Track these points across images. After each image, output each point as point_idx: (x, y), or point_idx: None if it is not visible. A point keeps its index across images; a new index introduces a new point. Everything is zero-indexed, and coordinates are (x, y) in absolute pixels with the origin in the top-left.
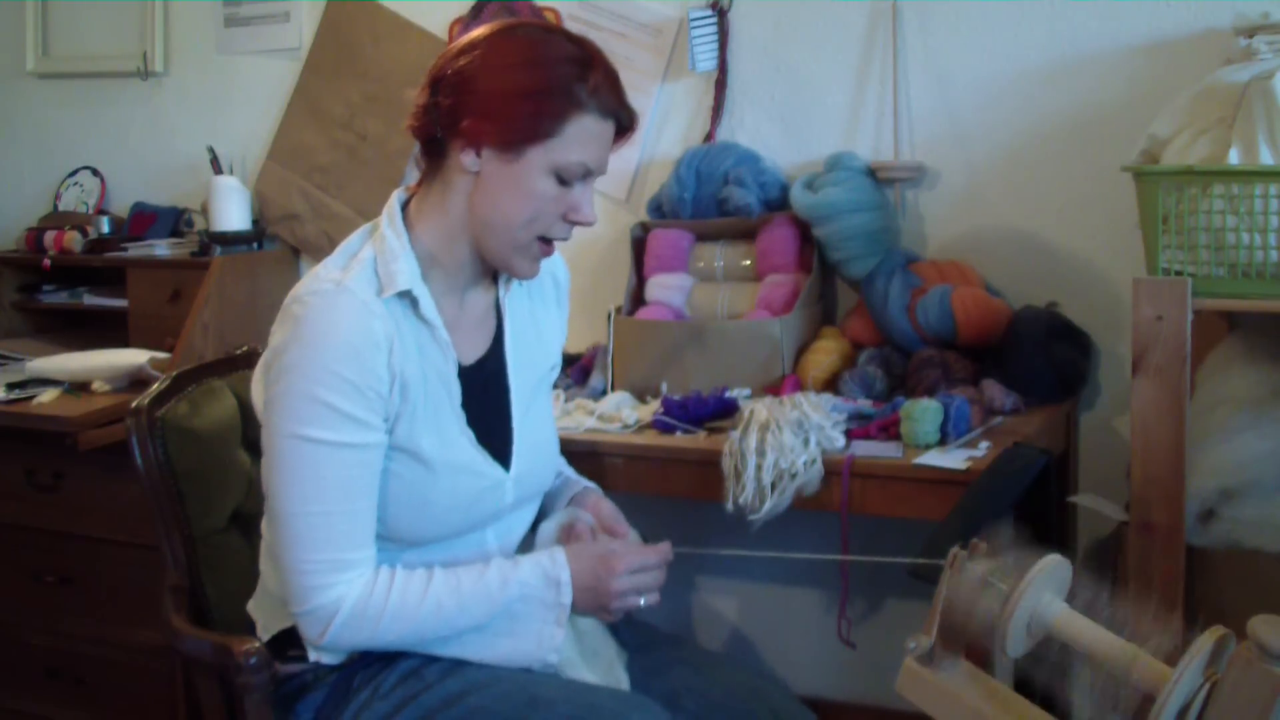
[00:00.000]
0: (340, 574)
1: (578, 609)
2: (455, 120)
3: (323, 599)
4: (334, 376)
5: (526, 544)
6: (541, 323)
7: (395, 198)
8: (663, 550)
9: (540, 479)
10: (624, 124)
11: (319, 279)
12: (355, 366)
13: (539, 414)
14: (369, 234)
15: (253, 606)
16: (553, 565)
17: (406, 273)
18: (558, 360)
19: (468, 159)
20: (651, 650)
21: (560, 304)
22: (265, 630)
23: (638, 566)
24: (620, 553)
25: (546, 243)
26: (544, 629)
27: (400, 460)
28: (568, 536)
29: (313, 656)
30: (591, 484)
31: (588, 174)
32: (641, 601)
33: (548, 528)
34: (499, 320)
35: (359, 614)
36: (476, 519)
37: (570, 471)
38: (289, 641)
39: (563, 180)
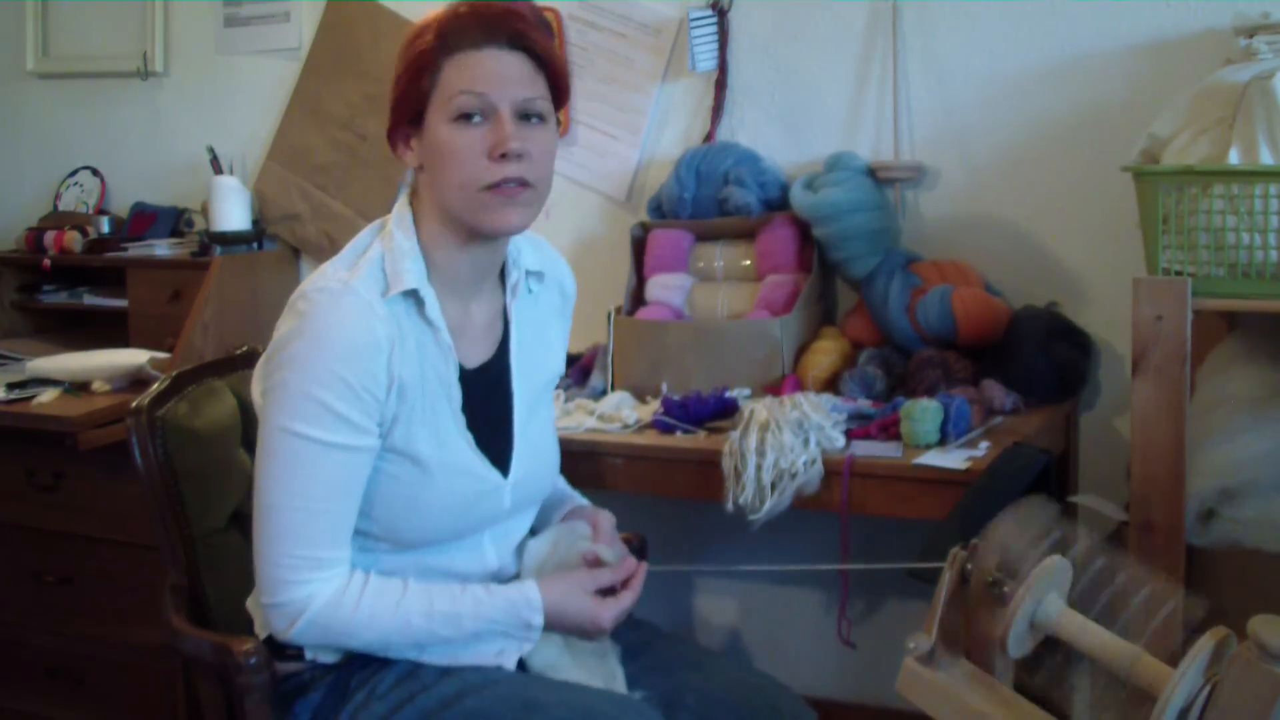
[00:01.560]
0: (315, 572)
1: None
2: (390, 130)
3: (294, 594)
4: (332, 376)
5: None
6: (548, 331)
7: (404, 197)
8: (638, 587)
9: (539, 486)
10: (513, 43)
11: (326, 276)
12: (354, 367)
13: (541, 422)
14: (378, 231)
15: (250, 603)
16: (527, 607)
17: (414, 271)
18: (562, 369)
19: (406, 156)
20: (652, 649)
21: (565, 315)
22: (262, 627)
23: (627, 610)
24: (604, 610)
25: (500, 189)
26: (505, 652)
27: (396, 462)
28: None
29: (309, 655)
30: (586, 501)
31: (485, 104)
32: None
33: (538, 546)
34: (505, 327)
35: (327, 616)
36: (473, 522)
37: (564, 484)
38: None
39: (464, 117)
